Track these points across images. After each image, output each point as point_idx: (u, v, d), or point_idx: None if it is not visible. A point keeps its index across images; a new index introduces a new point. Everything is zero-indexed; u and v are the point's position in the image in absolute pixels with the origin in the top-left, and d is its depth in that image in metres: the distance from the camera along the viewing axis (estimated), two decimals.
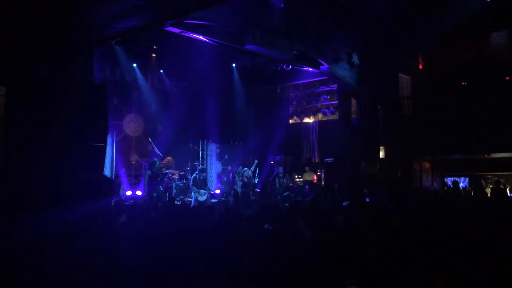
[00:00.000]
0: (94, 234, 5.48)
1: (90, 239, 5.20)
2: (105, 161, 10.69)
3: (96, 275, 4.37)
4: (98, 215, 6.91)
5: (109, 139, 13.36)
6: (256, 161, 14.70)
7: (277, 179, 13.81)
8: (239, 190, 13.71)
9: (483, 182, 14.64)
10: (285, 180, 13.98)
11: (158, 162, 13.20)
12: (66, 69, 8.86)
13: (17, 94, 8.10)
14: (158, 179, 12.95)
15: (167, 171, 13.65)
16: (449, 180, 15.75)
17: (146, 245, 5.23)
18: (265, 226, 6.09)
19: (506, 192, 12.41)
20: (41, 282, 4.24)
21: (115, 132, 14.84)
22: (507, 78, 14.26)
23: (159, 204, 10.19)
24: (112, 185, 12.30)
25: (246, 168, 14.28)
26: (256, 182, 14.47)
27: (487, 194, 12.57)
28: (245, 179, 13.89)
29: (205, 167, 16.18)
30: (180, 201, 13.20)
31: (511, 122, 12.99)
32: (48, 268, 4.35)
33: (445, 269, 3.91)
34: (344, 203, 8.36)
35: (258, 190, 14.41)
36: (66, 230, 5.51)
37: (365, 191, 11.84)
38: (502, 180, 13.70)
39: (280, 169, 14.30)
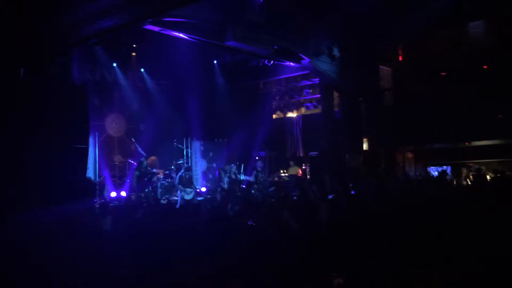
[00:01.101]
0: (76, 236, 5.43)
1: (73, 240, 5.15)
2: (88, 162, 10.57)
3: (80, 276, 4.33)
4: (80, 217, 6.86)
5: (91, 140, 13.22)
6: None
7: (254, 172, 13.80)
8: (225, 187, 13.69)
9: (465, 170, 14.88)
10: (263, 175, 13.96)
11: (145, 162, 13.11)
12: (45, 70, 8.74)
13: None
14: (146, 179, 12.86)
15: (154, 170, 13.56)
16: (432, 170, 15.97)
17: (131, 246, 5.20)
18: (248, 223, 6.08)
19: (487, 179, 12.61)
20: (23, 284, 4.19)
21: (97, 133, 14.68)
22: (485, 67, 14.49)
23: (144, 204, 10.13)
24: (95, 187, 12.19)
25: (233, 165, 14.29)
26: (241, 178, 14.48)
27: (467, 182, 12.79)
28: (233, 176, 13.88)
29: (190, 165, 16.13)
30: (166, 200, 13.12)
31: (490, 110, 13.22)
32: (30, 270, 4.30)
33: (428, 260, 3.98)
34: (330, 196, 8.41)
35: (244, 186, 14.41)
36: (49, 232, 5.45)
37: (350, 183, 11.92)
38: (483, 168, 13.95)
39: (259, 163, 14.28)
